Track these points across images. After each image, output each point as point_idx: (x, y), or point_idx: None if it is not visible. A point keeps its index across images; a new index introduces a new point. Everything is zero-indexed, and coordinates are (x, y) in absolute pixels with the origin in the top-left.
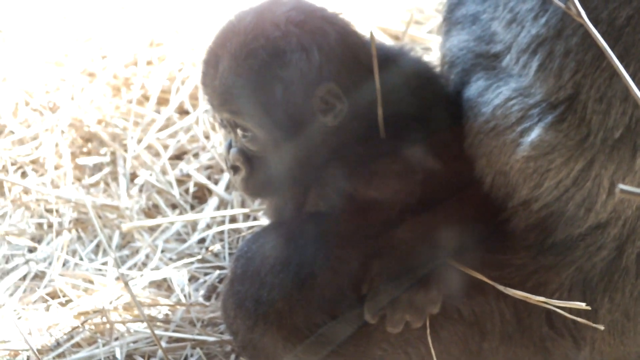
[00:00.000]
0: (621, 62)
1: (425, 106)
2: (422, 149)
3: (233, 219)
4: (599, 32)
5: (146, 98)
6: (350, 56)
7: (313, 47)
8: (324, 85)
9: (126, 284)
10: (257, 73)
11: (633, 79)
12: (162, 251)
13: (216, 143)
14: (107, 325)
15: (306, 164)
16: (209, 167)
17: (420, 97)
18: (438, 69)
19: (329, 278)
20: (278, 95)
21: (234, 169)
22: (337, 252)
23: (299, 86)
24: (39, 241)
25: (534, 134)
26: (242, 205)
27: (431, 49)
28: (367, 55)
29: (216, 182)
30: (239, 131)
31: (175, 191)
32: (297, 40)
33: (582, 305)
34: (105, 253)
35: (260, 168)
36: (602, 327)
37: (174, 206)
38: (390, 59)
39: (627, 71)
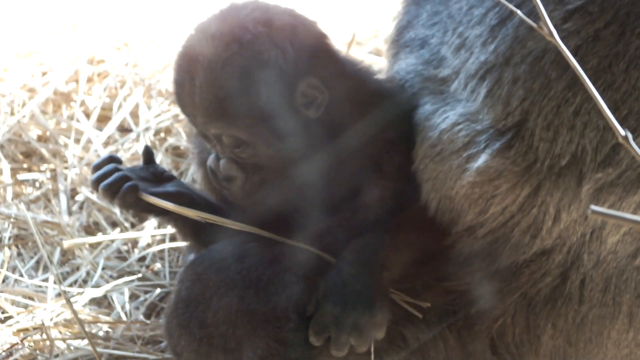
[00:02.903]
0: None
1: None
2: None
3: (173, 238)
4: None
5: (87, 115)
6: (320, 47)
7: (286, 44)
8: (304, 79)
9: (68, 300)
10: (238, 80)
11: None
12: (103, 268)
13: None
14: (47, 342)
15: (298, 158)
16: None
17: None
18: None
19: (274, 300)
20: (263, 98)
21: (228, 179)
22: (281, 274)
23: (281, 84)
24: None
25: (481, 160)
26: None
27: None
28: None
29: None
30: (225, 142)
31: (116, 209)
32: (269, 39)
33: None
34: (45, 270)
35: (255, 172)
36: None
37: (114, 224)
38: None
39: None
